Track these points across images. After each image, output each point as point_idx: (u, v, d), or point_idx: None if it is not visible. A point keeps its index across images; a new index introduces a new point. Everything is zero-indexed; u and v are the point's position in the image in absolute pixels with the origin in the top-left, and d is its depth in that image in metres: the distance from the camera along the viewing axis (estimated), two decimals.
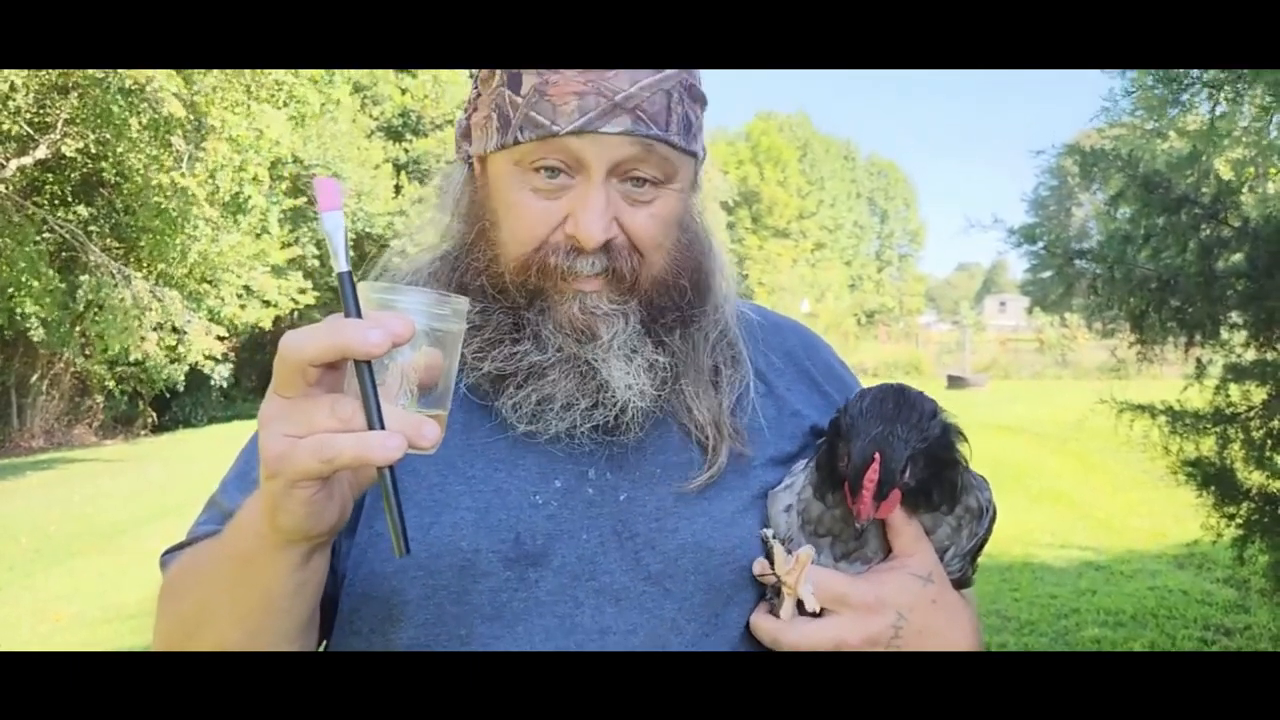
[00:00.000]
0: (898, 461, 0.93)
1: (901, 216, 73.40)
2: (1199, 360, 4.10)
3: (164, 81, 11.42)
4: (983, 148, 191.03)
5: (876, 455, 0.92)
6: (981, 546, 1.07)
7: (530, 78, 0.96)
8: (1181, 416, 4.19)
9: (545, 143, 0.95)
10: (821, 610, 0.98)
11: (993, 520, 1.06)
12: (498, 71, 0.99)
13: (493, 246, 1.00)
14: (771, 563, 1.00)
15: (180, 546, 1.04)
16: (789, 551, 1.00)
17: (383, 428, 0.71)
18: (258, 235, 18.33)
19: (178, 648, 0.94)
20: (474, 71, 1.07)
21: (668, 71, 0.97)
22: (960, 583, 1.07)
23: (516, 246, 0.98)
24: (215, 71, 12.18)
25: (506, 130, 0.97)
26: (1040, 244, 4.51)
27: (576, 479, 1.01)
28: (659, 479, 1.02)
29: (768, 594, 1.03)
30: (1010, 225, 4.45)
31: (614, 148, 0.94)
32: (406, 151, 26.20)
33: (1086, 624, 5.49)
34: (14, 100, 12.28)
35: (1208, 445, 4.22)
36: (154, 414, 21.20)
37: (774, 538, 1.01)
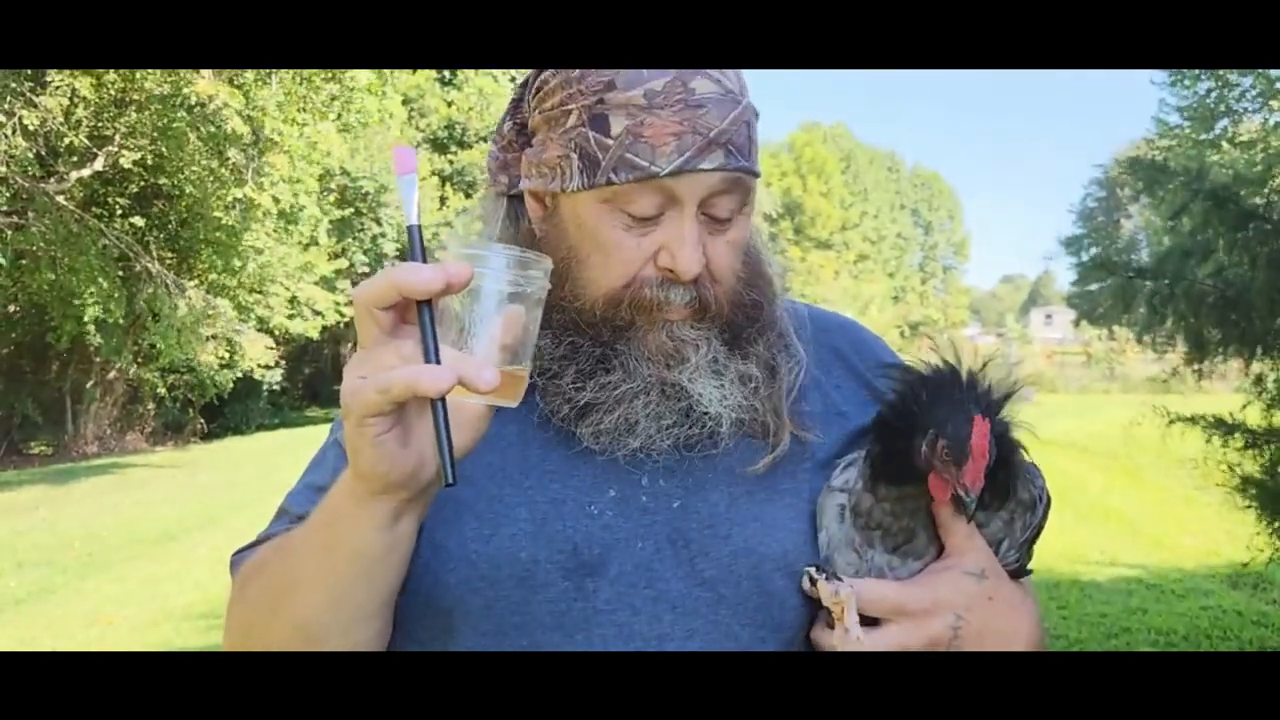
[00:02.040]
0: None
1: (945, 228, 72.83)
2: (1259, 376, 4.02)
3: (228, 99, 11.67)
4: (1029, 160, 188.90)
5: (978, 418, 0.90)
6: (1037, 535, 1.06)
7: (619, 119, 0.96)
8: (1239, 431, 4.10)
9: (644, 184, 0.96)
10: (878, 620, 0.98)
11: (1047, 508, 1.05)
12: (573, 111, 0.99)
13: (577, 284, 1.01)
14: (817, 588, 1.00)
15: (251, 546, 1.06)
16: (828, 578, 0.99)
17: (439, 364, 0.75)
18: (305, 247, 18.67)
19: (255, 632, 0.97)
20: (517, 99, 1.09)
21: (745, 102, 0.99)
22: (1017, 572, 1.06)
23: (608, 282, 0.99)
24: (274, 87, 12.46)
25: (595, 171, 0.97)
26: (1093, 257, 4.44)
27: (630, 487, 1.02)
28: (711, 484, 1.03)
29: (822, 612, 1.03)
30: (1070, 251, 4.39)
31: (706, 182, 0.97)
32: (451, 163, 26.50)
33: (1138, 643, 5.38)
34: (75, 114, 12.61)
35: (1266, 462, 4.12)
36: (204, 421, 21.59)
37: (819, 572, 1.00)
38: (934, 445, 0.92)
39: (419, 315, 0.76)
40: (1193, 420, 4.18)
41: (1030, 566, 1.09)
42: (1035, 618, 1.05)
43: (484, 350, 0.79)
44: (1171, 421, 4.20)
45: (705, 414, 0.99)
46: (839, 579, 0.99)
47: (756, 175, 1.01)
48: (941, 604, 0.98)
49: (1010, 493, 1.01)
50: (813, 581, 1.00)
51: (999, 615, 0.99)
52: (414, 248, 0.77)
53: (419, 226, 0.79)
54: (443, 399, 0.75)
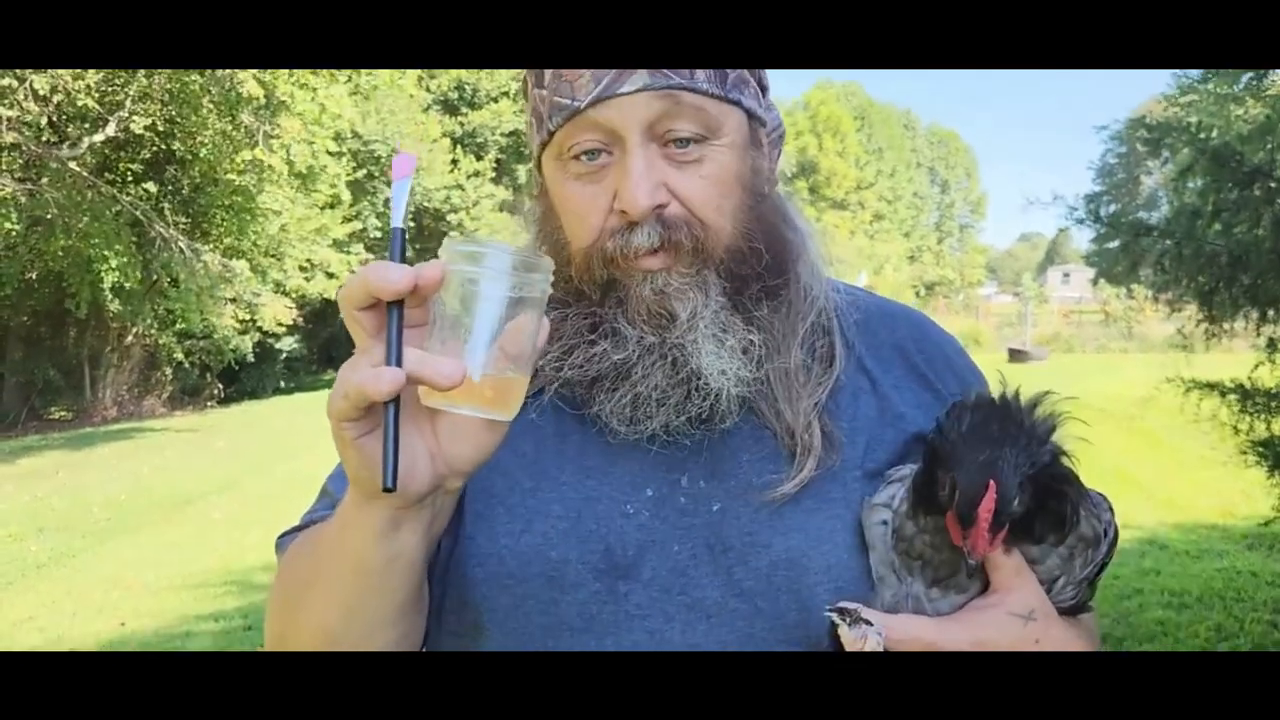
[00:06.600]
0: (1010, 490, 0.84)
1: (962, 187, 72.22)
2: (1271, 338, 3.97)
3: None
4: (1048, 114, 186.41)
5: (991, 484, 0.83)
6: (1101, 571, 0.97)
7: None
8: (1252, 395, 4.07)
9: (574, 123, 0.93)
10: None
11: (1114, 543, 0.96)
12: (528, 77, 0.99)
13: (560, 250, 0.97)
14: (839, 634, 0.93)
15: (295, 530, 1.05)
16: (852, 623, 0.92)
17: (399, 366, 0.72)
18: (322, 209, 18.69)
19: (285, 627, 0.96)
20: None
21: None
22: (1075, 609, 0.97)
23: (577, 241, 0.95)
24: None
25: (541, 125, 0.96)
26: (1104, 219, 4.38)
27: (669, 487, 0.97)
28: (754, 488, 0.96)
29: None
30: (1069, 201, 4.34)
31: (639, 107, 0.91)
32: (462, 125, 26.36)
33: (1150, 605, 5.37)
34: (84, 78, 12.58)
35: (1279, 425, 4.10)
36: (221, 386, 21.75)
37: (840, 615, 0.92)
38: (951, 490, 0.86)
39: (387, 316, 0.74)
40: (1210, 386, 4.14)
41: (1092, 604, 1.00)
42: None
43: (477, 354, 0.76)
44: (1188, 390, 4.16)
45: (705, 385, 0.92)
46: (866, 621, 0.91)
47: (710, 95, 0.93)
48: (981, 645, 0.89)
49: (1067, 526, 0.92)
50: (833, 623, 0.92)
51: None
52: (394, 249, 0.77)
53: (403, 230, 0.78)
54: (395, 401, 0.73)
